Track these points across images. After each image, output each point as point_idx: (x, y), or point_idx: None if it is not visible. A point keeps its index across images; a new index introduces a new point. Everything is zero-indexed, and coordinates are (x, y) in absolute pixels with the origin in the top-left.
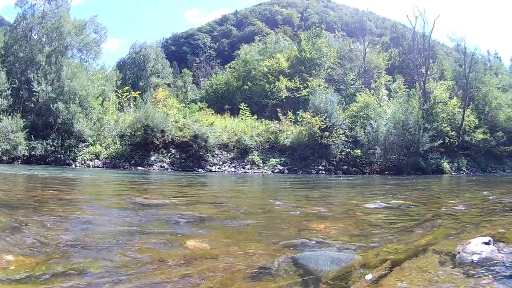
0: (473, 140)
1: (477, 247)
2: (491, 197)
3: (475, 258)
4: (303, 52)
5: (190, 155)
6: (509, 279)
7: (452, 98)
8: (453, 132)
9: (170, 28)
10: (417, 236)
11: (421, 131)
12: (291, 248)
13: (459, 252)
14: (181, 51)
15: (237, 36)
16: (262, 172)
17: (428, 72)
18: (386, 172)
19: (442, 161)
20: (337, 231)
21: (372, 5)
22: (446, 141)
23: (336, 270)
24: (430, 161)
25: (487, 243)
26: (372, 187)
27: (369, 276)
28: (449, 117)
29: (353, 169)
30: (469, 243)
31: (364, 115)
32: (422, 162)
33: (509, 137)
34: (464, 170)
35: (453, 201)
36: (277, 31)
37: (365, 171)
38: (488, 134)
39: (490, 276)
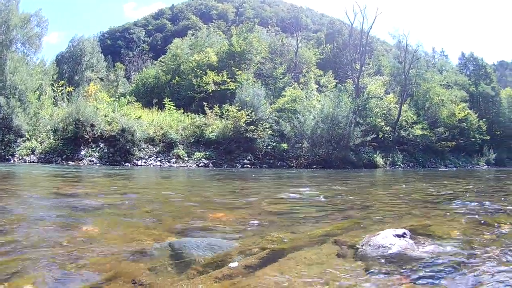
0: (411, 135)
1: (385, 239)
2: (421, 189)
3: (380, 252)
4: (233, 46)
5: (118, 149)
6: (420, 279)
7: (389, 94)
8: (388, 127)
9: (109, 21)
10: (318, 226)
11: (352, 125)
12: (177, 235)
13: (363, 245)
14: (116, 45)
15: (171, 30)
16: (187, 166)
17: (363, 68)
18: (314, 166)
19: (375, 155)
20: (232, 219)
21: (312, 2)
22: (380, 135)
23: (211, 256)
24: (362, 155)
25: (400, 236)
26: (294, 179)
27: (234, 264)
28: (384, 112)
29: (279, 162)
30: (378, 235)
31: (291, 109)
32: (352, 156)
33: (451, 133)
34: (399, 165)
35: (381, 192)
36: (210, 25)
37: (292, 164)
38: (427, 130)
39: (396, 273)
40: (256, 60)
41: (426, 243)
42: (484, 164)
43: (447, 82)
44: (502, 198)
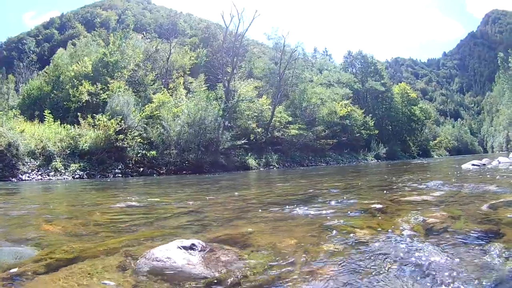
0: (286, 135)
1: (163, 252)
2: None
3: (153, 266)
4: (107, 55)
5: (6, 164)
6: None
7: (262, 96)
8: (260, 128)
9: (8, 31)
10: (126, 235)
11: (221, 129)
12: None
13: (142, 258)
14: (10, 56)
15: (58, 40)
16: (64, 178)
17: (235, 71)
18: (184, 172)
19: (247, 157)
20: (56, 231)
21: (193, 7)
22: (252, 137)
23: (10, 263)
24: (234, 158)
25: (187, 248)
26: (148, 187)
27: (14, 270)
28: (256, 114)
29: (149, 170)
30: (159, 246)
31: (159, 116)
32: (223, 159)
33: (332, 130)
34: (274, 165)
35: (222, 195)
36: (92, 34)
37: (162, 171)
38: (304, 130)
39: None
40: (130, 68)
41: (226, 257)
42: (373, 158)
43: (328, 81)
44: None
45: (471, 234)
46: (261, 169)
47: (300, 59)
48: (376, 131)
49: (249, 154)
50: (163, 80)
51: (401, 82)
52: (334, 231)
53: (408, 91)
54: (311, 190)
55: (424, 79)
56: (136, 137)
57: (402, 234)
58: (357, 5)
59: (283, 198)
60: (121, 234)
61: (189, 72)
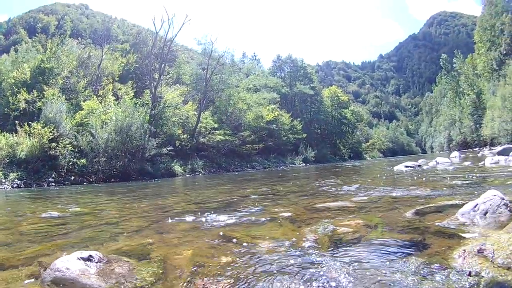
0: (211, 141)
1: (65, 263)
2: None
3: (55, 276)
4: (44, 62)
5: None
6: None
7: (188, 102)
8: (186, 135)
9: None
10: (44, 244)
11: (147, 136)
12: None
13: (47, 268)
14: None
15: (3, 45)
16: (4, 187)
17: (162, 77)
18: (113, 180)
19: (173, 164)
20: None
21: (128, 12)
22: (178, 144)
23: None
24: (160, 165)
25: (86, 259)
26: (78, 196)
27: None
28: (181, 120)
29: (80, 179)
30: (62, 257)
31: (88, 123)
32: (149, 167)
33: (259, 135)
34: (200, 171)
35: (143, 205)
36: (34, 40)
37: (92, 180)
38: (230, 135)
39: None
40: (63, 75)
41: (120, 269)
42: (301, 162)
43: (254, 86)
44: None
45: (387, 246)
46: (187, 175)
47: (227, 65)
48: (304, 135)
49: (175, 160)
50: (94, 87)
51: (331, 85)
52: (235, 242)
53: (339, 94)
54: (229, 197)
55: (357, 81)
56: (67, 145)
57: (303, 247)
58: (294, 8)
59: (199, 206)
60: (41, 244)
61: (118, 79)
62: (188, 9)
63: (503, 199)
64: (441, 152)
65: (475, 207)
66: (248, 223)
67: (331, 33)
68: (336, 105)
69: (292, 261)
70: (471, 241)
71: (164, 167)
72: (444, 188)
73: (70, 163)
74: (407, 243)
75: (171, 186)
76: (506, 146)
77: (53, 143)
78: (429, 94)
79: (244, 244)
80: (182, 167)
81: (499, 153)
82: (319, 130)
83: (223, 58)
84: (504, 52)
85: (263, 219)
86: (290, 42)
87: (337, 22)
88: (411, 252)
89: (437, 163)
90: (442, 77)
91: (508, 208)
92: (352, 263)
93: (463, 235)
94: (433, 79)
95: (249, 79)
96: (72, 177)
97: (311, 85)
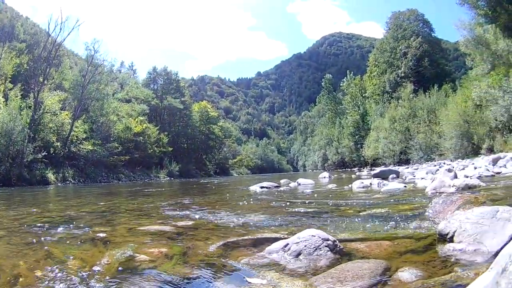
0: (81, 151)
1: None
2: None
3: None
4: None
5: None
6: None
7: (65, 109)
8: (59, 142)
9: None
10: None
11: (26, 141)
12: None
13: None
14: None
15: None
16: None
17: (46, 82)
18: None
19: (47, 171)
20: None
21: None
22: (52, 151)
23: None
24: (36, 171)
25: None
26: None
27: None
28: (56, 128)
29: None
30: None
31: None
32: (26, 173)
33: (126, 147)
34: (70, 180)
35: None
36: None
37: None
38: (99, 146)
39: None
40: None
41: None
42: (166, 176)
43: (127, 96)
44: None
45: (169, 281)
46: (59, 184)
47: (105, 74)
48: (170, 148)
49: (49, 168)
50: None
51: (202, 100)
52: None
53: (208, 110)
54: (76, 212)
55: (230, 98)
56: None
57: (92, 270)
58: (183, 20)
59: (38, 220)
60: None
61: (10, 79)
62: (86, 12)
63: (327, 239)
64: (314, 171)
65: (285, 246)
66: (61, 242)
67: (215, 46)
68: (205, 120)
69: (61, 285)
70: None
71: (40, 174)
72: (280, 216)
73: None
74: (187, 281)
75: (41, 196)
76: (384, 168)
77: None
78: (306, 112)
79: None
80: (55, 175)
81: (375, 176)
82: (185, 145)
83: (101, 67)
84: (402, 75)
85: (82, 238)
86: (174, 54)
87: (222, 36)
88: None
89: (299, 184)
90: (323, 97)
91: (334, 250)
92: None
93: (250, 280)
94: (313, 98)
95: (125, 90)
96: None
97: (182, 99)
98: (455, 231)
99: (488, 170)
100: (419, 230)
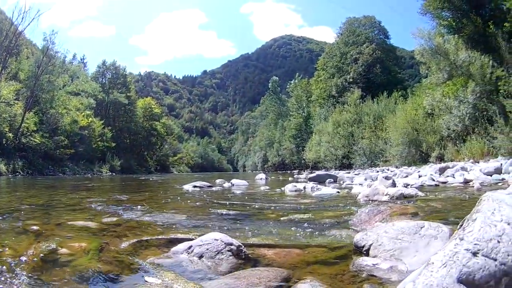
0: (30, 143)
1: None
2: None
3: None
4: None
5: None
6: None
7: (18, 99)
8: (11, 133)
9: None
10: None
11: None
12: None
13: None
14: None
15: None
16: None
17: (3, 71)
18: None
19: None
20: None
21: None
22: (4, 142)
23: None
24: None
25: None
26: None
27: None
28: (10, 118)
29: None
30: None
31: None
32: None
33: (71, 140)
34: (19, 172)
35: None
36: None
37: None
38: (47, 138)
39: None
40: None
41: None
42: (108, 171)
43: (76, 89)
44: None
45: (81, 275)
46: (10, 175)
47: (57, 66)
48: (113, 144)
49: (1, 159)
50: None
51: (148, 97)
52: None
53: (152, 106)
54: (14, 204)
55: (174, 95)
56: None
57: (11, 261)
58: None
59: None
60: None
61: None
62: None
63: (231, 244)
64: (254, 171)
65: (189, 248)
66: (3, 232)
67: (164, 43)
68: (148, 117)
69: None
70: None
71: None
72: (201, 217)
73: None
74: (97, 275)
75: None
76: (322, 172)
77: None
78: (249, 113)
79: None
80: (6, 166)
81: (312, 179)
82: (128, 140)
83: (55, 58)
84: (351, 80)
85: (19, 230)
86: (126, 48)
87: (173, 33)
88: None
89: (232, 185)
90: (268, 98)
91: (237, 255)
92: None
93: (147, 279)
94: (257, 99)
95: (74, 83)
96: None
97: (128, 94)
98: (371, 244)
99: (433, 179)
100: (336, 239)
